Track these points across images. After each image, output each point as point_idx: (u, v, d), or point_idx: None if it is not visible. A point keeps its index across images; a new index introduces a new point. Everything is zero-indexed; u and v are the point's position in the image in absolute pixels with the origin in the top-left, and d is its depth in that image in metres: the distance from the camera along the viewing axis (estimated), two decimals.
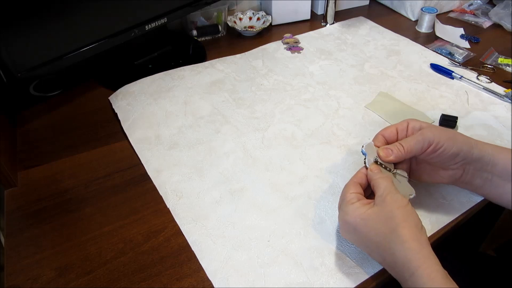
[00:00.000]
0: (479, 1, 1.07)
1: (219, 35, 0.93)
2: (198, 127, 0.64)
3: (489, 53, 0.85)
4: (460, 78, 0.76)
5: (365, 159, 0.46)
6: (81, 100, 0.72)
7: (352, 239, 0.44)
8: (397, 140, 0.49)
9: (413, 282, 0.36)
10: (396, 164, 0.47)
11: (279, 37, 0.90)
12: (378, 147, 0.47)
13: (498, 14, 0.98)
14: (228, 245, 0.46)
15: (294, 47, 0.86)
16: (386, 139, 0.48)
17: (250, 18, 0.96)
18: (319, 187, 0.54)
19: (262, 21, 0.95)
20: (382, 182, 0.42)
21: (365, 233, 0.40)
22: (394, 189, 0.41)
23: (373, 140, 0.48)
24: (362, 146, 0.46)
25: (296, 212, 0.50)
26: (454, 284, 0.36)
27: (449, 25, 0.97)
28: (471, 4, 1.07)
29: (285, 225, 0.49)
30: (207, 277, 0.43)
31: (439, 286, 0.35)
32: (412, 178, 0.51)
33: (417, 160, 0.49)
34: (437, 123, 0.65)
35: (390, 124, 0.66)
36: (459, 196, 0.52)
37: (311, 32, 0.93)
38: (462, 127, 0.64)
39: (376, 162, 0.45)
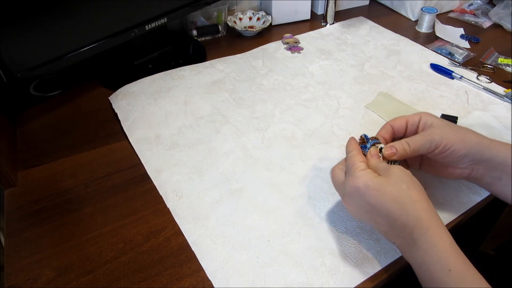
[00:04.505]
0: (479, 1, 1.07)
1: (219, 35, 0.93)
2: (198, 127, 0.64)
3: (489, 53, 0.85)
4: (460, 78, 0.76)
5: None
6: (81, 100, 0.72)
7: (357, 209, 0.43)
8: (405, 133, 0.48)
9: (423, 242, 0.37)
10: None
11: (279, 37, 0.90)
12: (384, 137, 0.47)
13: (498, 14, 0.98)
14: (228, 245, 0.46)
15: (294, 47, 0.86)
16: (394, 131, 0.48)
17: (250, 18, 0.96)
18: (319, 187, 0.54)
19: (262, 21, 0.95)
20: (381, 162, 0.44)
21: (375, 197, 0.40)
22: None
23: (380, 129, 0.49)
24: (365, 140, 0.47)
25: (296, 212, 0.50)
26: (459, 249, 0.37)
27: (449, 25, 0.97)
28: (471, 4, 1.07)
29: (285, 225, 0.49)
30: (207, 277, 0.43)
31: (449, 248, 0.37)
32: (423, 170, 0.51)
33: (428, 155, 0.49)
34: None
35: None
36: (459, 196, 0.52)
37: (311, 32, 0.93)
38: None
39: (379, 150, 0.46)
